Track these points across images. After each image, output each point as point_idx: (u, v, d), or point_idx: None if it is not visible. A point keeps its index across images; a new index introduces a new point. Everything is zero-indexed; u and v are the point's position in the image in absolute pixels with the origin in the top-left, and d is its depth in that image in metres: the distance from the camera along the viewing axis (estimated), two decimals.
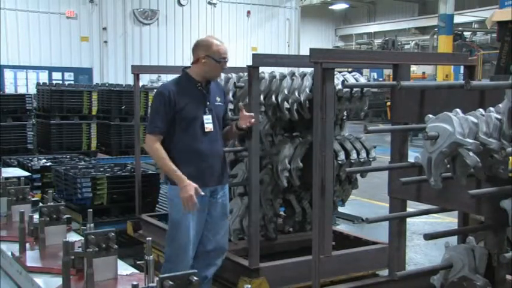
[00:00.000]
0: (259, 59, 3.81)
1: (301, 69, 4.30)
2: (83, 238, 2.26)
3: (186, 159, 3.63)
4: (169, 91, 3.63)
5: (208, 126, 3.69)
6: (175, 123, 3.64)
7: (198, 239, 3.74)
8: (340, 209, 5.83)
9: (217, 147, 3.77)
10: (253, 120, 3.76)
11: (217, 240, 3.81)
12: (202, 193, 3.57)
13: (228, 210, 3.94)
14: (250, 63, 3.78)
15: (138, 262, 4.50)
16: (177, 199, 3.59)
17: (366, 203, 8.63)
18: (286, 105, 4.18)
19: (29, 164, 6.33)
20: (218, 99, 3.82)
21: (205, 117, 3.69)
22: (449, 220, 6.52)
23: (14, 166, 6.28)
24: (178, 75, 3.83)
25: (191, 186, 3.52)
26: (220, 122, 3.81)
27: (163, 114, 3.60)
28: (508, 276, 2.56)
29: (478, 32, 25.26)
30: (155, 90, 3.88)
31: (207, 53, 3.66)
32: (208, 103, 3.73)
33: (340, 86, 4.17)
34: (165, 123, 3.62)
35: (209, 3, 20.52)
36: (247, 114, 3.75)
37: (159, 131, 3.61)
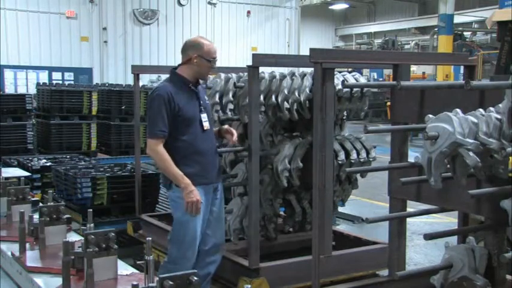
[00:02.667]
0: (259, 59, 3.81)
1: (301, 69, 4.30)
2: (83, 238, 2.26)
3: (190, 159, 3.67)
4: (167, 93, 3.63)
5: (206, 125, 3.76)
6: (175, 124, 3.65)
7: (200, 238, 3.77)
8: (340, 209, 5.83)
9: (214, 144, 3.86)
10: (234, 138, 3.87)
11: (217, 237, 3.88)
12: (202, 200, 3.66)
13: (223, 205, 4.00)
14: (250, 63, 3.78)
15: (138, 262, 4.51)
16: (182, 200, 3.61)
17: (366, 203, 8.62)
18: (286, 105, 4.18)
19: (29, 164, 6.33)
20: (206, 98, 3.94)
21: (202, 116, 3.75)
22: (449, 220, 6.52)
23: (14, 166, 6.28)
24: (168, 76, 3.83)
25: (197, 192, 3.59)
26: (212, 120, 3.90)
27: (164, 117, 3.61)
28: (508, 276, 2.56)
29: (478, 32, 25.28)
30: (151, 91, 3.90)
31: (199, 53, 3.70)
32: (201, 102, 3.80)
33: (340, 86, 4.17)
34: (167, 126, 3.63)
35: (209, 3, 20.51)
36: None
37: (163, 135, 3.62)
